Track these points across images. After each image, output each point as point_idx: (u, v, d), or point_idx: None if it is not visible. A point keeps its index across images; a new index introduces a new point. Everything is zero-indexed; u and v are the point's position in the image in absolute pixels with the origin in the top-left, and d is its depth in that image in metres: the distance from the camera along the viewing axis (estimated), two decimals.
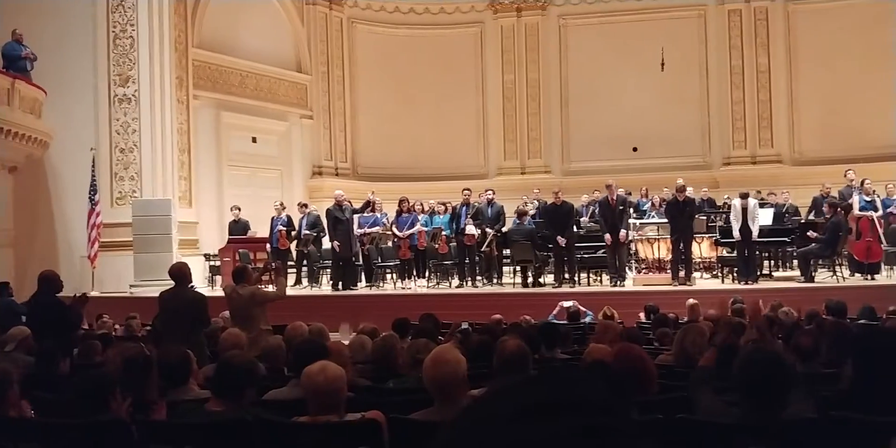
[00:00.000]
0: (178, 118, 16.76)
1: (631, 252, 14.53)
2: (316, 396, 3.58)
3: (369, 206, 15.59)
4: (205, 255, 16.58)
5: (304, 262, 15.87)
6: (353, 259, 14.92)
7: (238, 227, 16.24)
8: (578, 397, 0.75)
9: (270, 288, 9.62)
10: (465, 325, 7.52)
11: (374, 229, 15.32)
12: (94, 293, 15.30)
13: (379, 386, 5.03)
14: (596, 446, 0.70)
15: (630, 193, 15.73)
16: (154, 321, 8.91)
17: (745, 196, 13.35)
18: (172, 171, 16.39)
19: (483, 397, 0.79)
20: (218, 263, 16.19)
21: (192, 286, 8.99)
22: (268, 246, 15.69)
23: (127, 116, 16.01)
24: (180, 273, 7.98)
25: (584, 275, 14.41)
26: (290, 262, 15.79)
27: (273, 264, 10.19)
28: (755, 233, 12.93)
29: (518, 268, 14.61)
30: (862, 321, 8.52)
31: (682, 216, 13.34)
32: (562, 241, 13.57)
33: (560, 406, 0.73)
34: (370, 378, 5.30)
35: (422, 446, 3.60)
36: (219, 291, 15.40)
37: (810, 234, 13.03)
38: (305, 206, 16.22)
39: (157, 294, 8.38)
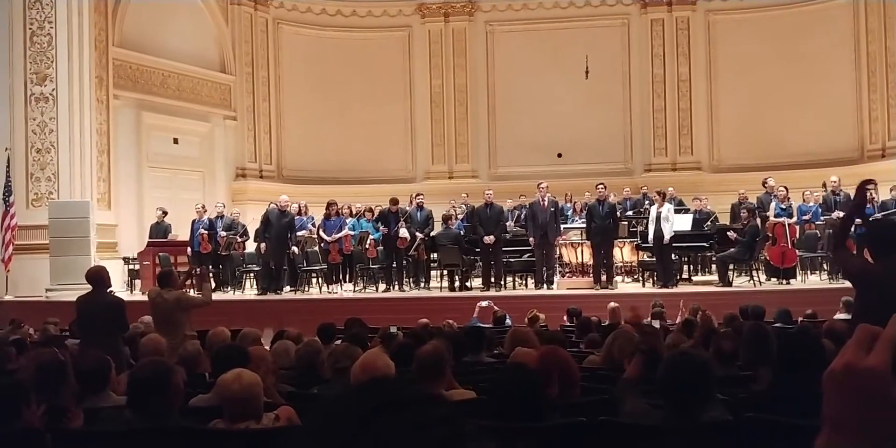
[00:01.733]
0: (98, 118, 16.33)
1: (556, 256, 14.70)
2: (232, 404, 3.53)
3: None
4: (124, 259, 16.21)
5: (221, 266, 15.62)
6: (282, 264, 14.76)
7: (159, 230, 15.91)
8: (419, 395, 0.79)
9: (192, 292, 9.44)
10: (394, 330, 7.48)
11: (301, 233, 15.18)
12: (8, 297, 14.85)
13: (303, 392, 4.98)
14: (436, 441, 0.74)
15: (557, 199, 15.94)
16: (71, 326, 8.69)
17: (662, 195, 13.68)
18: (91, 173, 15.96)
19: (331, 400, 0.84)
20: (137, 267, 15.85)
21: (111, 290, 8.79)
22: (189, 249, 15.41)
23: (44, 116, 15.53)
24: (98, 277, 7.81)
25: (510, 279, 14.55)
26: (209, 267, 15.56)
27: (197, 269, 10.00)
28: (667, 237, 13.19)
29: (445, 272, 14.65)
30: (778, 324, 8.76)
31: (602, 219, 13.57)
32: (489, 239, 13.65)
33: (400, 404, 0.77)
34: (294, 384, 5.24)
35: None
36: (138, 295, 15.12)
37: (731, 235, 13.37)
38: (216, 206, 16.02)
39: (74, 298, 8.18)
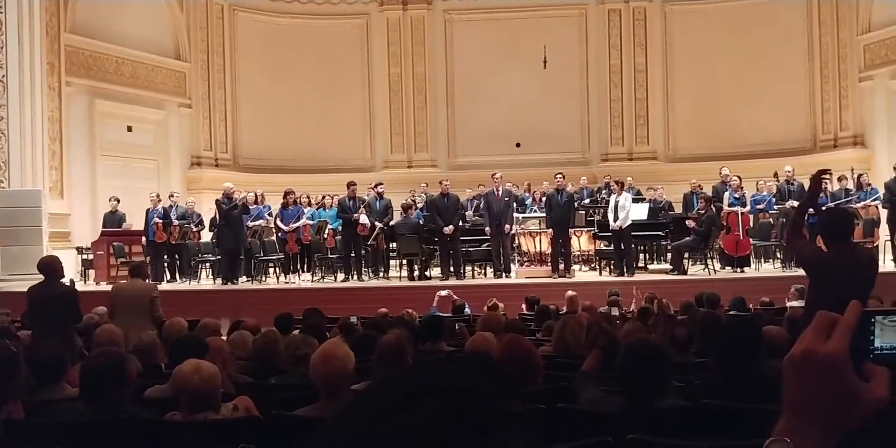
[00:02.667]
0: (49, 105, 16.03)
1: (514, 245, 14.77)
2: (190, 396, 3.49)
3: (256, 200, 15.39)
4: (77, 249, 15.96)
5: (176, 255, 15.44)
6: (239, 253, 14.61)
7: (113, 220, 15.68)
8: (453, 385, 0.77)
9: None
10: (353, 320, 7.47)
11: (259, 222, 15.05)
12: None
13: (261, 382, 4.95)
14: (473, 430, 0.72)
15: (517, 187, 16.07)
16: (22, 317, 8.56)
17: (620, 184, 13.81)
18: (43, 161, 15.67)
19: (362, 393, 0.81)
20: (91, 257, 15.62)
21: (64, 281, 8.66)
22: (143, 239, 15.21)
23: None
24: (50, 267, 7.73)
25: (468, 268, 14.59)
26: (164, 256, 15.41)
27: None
28: (620, 223, 13.31)
29: (404, 261, 14.64)
30: (733, 312, 8.89)
31: (561, 209, 13.66)
32: (449, 229, 13.68)
33: (436, 394, 0.75)
34: (251, 375, 5.21)
35: (307, 442, 3.55)
36: (91, 286, 14.90)
37: (689, 223, 13.53)
38: (171, 196, 15.81)
39: (25, 289, 8.06)
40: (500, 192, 14.02)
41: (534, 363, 4.12)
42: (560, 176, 14.10)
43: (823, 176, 5.60)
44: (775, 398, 1.00)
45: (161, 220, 15.01)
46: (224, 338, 6.21)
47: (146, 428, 3.44)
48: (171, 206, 15.37)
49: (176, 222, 15.07)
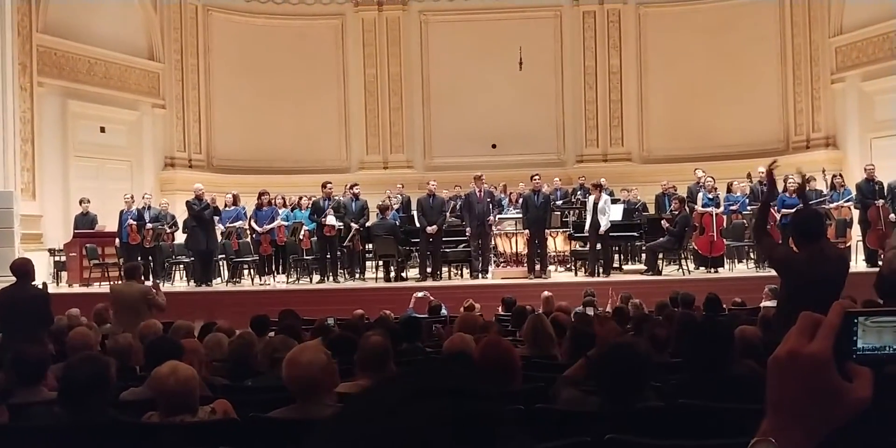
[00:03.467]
0: (21, 106, 15.86)
1: (491, 245, 14.79)
2: (168, 398, 3.47)
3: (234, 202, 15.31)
4: (49, 251, 15.79)
5: (150, 257, 15.30)
6: (212, 254, 14.51)
7: (85, 221, 15.53)
8: (455, 385, 0.78)
9: None
10: (330, 321, 7.46)
11: (237, 223, 14.97)
12: None
13: (237, 384, 4.93)
14: (473, 431, 0.74)
15: (494, 188, 16.13)
16: None
17: (598, 187, 13.87)
18: (14, 162, 15.49)
19: (362, 392, 0.81)
20: (64, 259, 15.46)
21: (37, 283, 8.60)
22: (117, 241, 15.08)
23: None
24: (23, 269, 7.71)
25: (444, 269, 14.59)
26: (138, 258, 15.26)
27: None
28: (603, 227, 13.40)
29: (381, 263, 14.62)
30: (706, 313, 8.95)
31: (537, 210, 13.72)
32: (432, 229, 13.69)
33: (437, 395, 0.76)
34: (227, 376, 5.18)
35: (282, 445, 3.56)
36: (64, 288, 14.76)
37: (664, 224, 13.62)
38: (144, 197, 15.69)
39: None
40: (482, 193, 14.08)
41: (513, 364, 4.13)
42: (537, 177, 14.15)
43: (772, 166, 5.74)
44: (749, 398, 1.02)
45: (135, 222, 14.89)
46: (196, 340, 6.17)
47: (125, 430, 3.41)
48: (144, 208, 15.24)
49: (150, 225, 14.92)
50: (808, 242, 4.96)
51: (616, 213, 14.43)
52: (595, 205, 13.54)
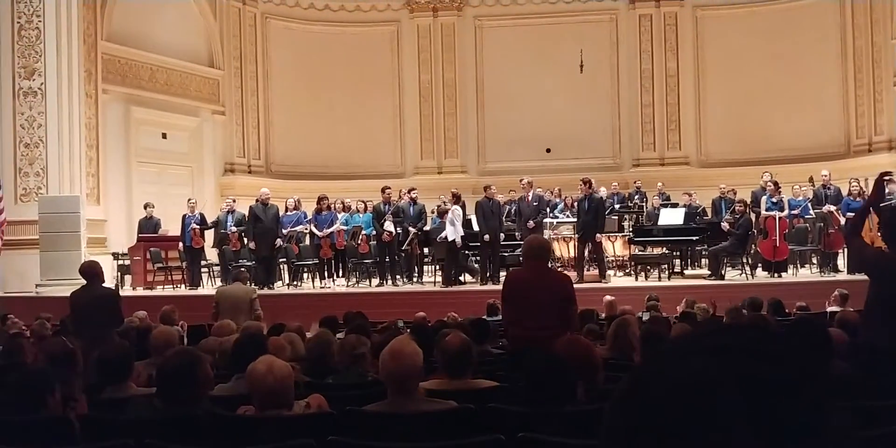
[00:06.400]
0: (87, 113, 16.21)
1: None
2: (265, 393, 3.52)
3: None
4: (113, 254, 16.10)
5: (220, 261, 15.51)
6: (274, 258, 14.67)
7: (149, 225, 15.82)
8: (783, 350, 0.78)
9: None
10: (400, 323, 7.51)
11: (299, 228, 15.12)
12: None
13: (319, 382, 4.98)
14: (796, 396, 0.74)
15: (549, 192, 16.08)
16: (65, 320, 8.65)
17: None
18: (80, 168, 15.84)
19: (684, 336, 0.82)
20: (127, 262, 15.76)
21: (106, 284, 8.79)
22: (180, 245, 15.32)
23: (33, 110, 15.39)
24: (92, 271, 7.86)
25: (502, 273, 14.54)
26: (203, 262, 15.49)
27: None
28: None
29: (439, 266, 14.65)
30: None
31: (586, 215, 13.59)
32: (486, 237, 13.67)
33: (762, 353, 0.76)
34: (306, 374, 5.24)
35: (377, 437, 3.59)
36: (128, 291, 15.04)
37: (724, 226, 13.45)
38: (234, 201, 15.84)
39: (64, 294, 8.20)
40: (530, 197, 14.06)
41: (593, 360, 4.13)
42: (582, 183, 13.98)
43: (885, 177, 5.54)
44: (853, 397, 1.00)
45: (198, 226, 15.10)
46: None
47: (223, 424, 3.47)
48: (229, 211, 15.24)
49: (234, 229, 14.94)
50: None
51: (677, 216, 14.29)
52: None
